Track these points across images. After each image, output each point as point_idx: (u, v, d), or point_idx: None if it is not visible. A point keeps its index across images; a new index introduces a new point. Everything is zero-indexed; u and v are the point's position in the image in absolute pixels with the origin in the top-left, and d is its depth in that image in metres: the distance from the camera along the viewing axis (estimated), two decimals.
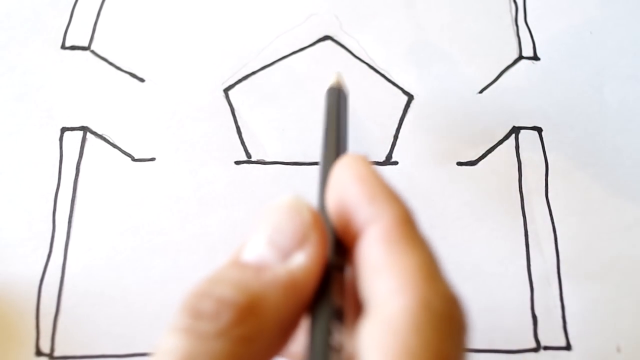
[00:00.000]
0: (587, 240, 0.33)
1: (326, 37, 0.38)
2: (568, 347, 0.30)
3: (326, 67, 0.37)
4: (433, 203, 0.33)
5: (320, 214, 0.19)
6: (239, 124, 0.35)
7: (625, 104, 0.36)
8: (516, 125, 0.36)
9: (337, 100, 0.29)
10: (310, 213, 0.18)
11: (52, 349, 0.30)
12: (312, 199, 0.33)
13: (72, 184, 0.33)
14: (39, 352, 0.30)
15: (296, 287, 0.17)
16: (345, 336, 0.17)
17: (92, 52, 0.37)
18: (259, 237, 0.18)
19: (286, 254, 0.18)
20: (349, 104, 0.30)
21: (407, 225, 0.18)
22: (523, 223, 0.33)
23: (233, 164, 0.34)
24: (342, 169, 0.19)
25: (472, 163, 0.35)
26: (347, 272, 0.19)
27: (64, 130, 0.35)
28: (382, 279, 0.17)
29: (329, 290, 0.18)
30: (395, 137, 0.35)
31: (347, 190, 0.19)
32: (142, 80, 0.36)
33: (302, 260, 0.17)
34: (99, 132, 0.35)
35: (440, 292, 0.17)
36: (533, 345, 0.30)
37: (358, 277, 0.18)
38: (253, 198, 0.33)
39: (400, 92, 0.36)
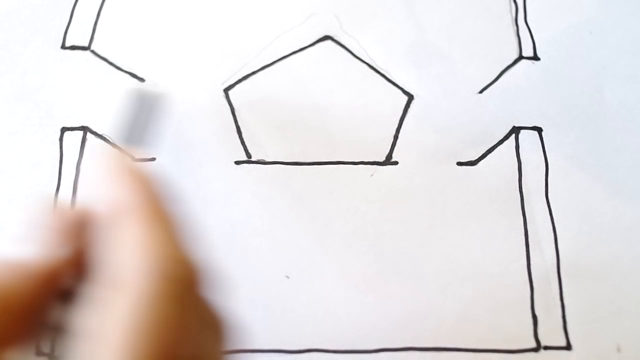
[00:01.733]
0: (587, 240, 0.33)
1: (326, 37, 0.38)
2: (568, 347, 0.30)
3: (326, 67, 0.37)
4: (433, 203, 0.33)
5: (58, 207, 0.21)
6: (239, 124, 0.35)
7: (625, 104, 0.36)
8: (516, 125, 0.36)
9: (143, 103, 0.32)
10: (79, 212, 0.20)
11: (53, 348, 0.30)
12: (312, 199, 0.33)
13: (72, 184, 0.34)
14: (39, 352, 0.30)
15: (30, 275, 0.19)
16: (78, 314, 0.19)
17: (92, 52, 0.37)
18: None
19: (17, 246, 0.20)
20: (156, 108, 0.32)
21: (148, 204, 0.20)
22: (523, 223, 0.33)
23: (233, 164, 0.34)
24: (103, 161, 0.22)
25: (472, 163, 0.35)
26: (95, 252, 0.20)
27: (64, 130, 0.35)
28: (122, 254, 0.18)
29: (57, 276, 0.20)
30: (395, 137, 0.35)
31: (101, 179, 0.21)
32: (142, 80, 0.36)
33: (31, 252, 0.20)
34: (99, 132, 0.35)
35: (175, 260, 0.18)
36: (533, 345, 0.30)
37: (104, 256, 0.19)
38: (253, 198, 0.33)
39: (400, 92, 0.36)
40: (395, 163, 0.34)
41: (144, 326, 0.17)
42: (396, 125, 0.35)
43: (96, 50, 0.37)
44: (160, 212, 0.20)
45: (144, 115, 0.31)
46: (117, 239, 0.19)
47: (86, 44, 0.38)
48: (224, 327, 0.23)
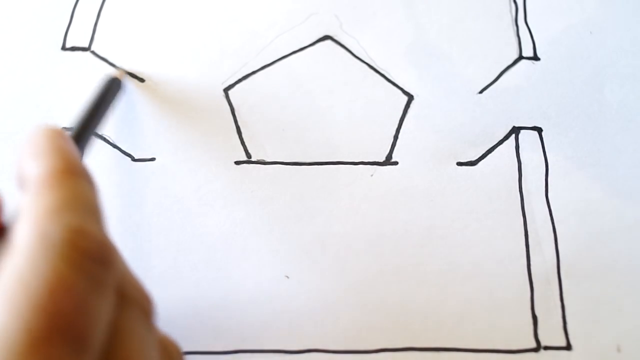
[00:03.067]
0: (587, 240, 0.33)
1: (326, 37, 0.38)
2: (568, 347, 0.30)
3: (326, 67, 0.37)
4: (433, 203, 0.33)
5: None
6: (239, 124, 0.35)
7: (625, 104, 0.36)
8: (516, 125, 0.36)
9: (108, 86, 0.33)
10: None
11: None
12: (312, 199, 0.33)
13: None
14: None
15: None
16: None
17: (93, 52, 0.37)
18: None
19: None
20: (119, 93, 0.34)
21: (61, 174, 0.19)
22: (523, 223, 0.33)
23: (233, 164, 0.34)
24: (33, 135, 0.22)
25: (472, 163, 0.35)
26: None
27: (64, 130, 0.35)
28: (18, 224, 0.18)
29: None
30: (395, 137, 0.35)
31: (20, 152, 0.21)
32: (142, 80, 0.37)
33: None
34: (99, 132, 0.35)
35: (63, 224, 0.18)
36: (533, 345, 0.30)
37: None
38: (253, 198, 0.33)
39: (400, 92, 0.36)
40: (395, 163, 0.34)
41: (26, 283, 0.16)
42: (396, 125, 0.35)
43: (96, 51, 0.37)
44: (75, 179, 0.20)
45: (105, 98, 0.32)
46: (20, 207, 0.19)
47: (86, 45, 0.38)
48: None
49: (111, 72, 0.35)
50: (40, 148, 0.21)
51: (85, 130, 0.29)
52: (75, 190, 0.19)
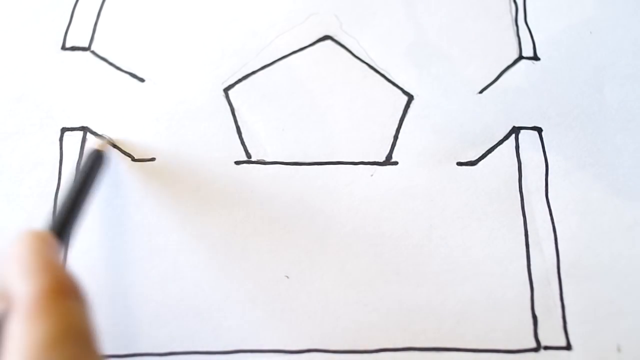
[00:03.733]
0: (587, 240, 0.33)
1: (326, 37, 0.38)
2: (568, 347, 0.30)
3: (326, 67, 0.37)
4: (433, 203, 0.33)
5: None
6: (239, 124, 0.35)
7: (625, 104, 0.36)
8: (516, 125, 0.36)
9: (91, 163, 0.31)
10: None
11: None
12: (312, 199, 0.33)
13: None
14: None
15: None
16: None
17: (93, 52, 0.37)
18: None
19: None
20: (102, 169, 0.32)
21: (50, 297, 0.18)
22: (523, 223, 0.33)
23: (233, 164, 0.34)
24: (10, 247, 0.20)
25: (472, 163, 0.35)
26: None
27: (64, 130, 0.35)
28: (8, 356, 0.17)
29: None
30: (395, 137, 0.35)
31: (6, 268, 0.19)
32: (142, 80, 0.37)
33: None
34: (99, 132, 0.35)
35: None
36: (533, 345, 0.30)
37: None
38: (253, 198, 0.33)
39: (400, 92, 0.36)
40: (395, 163, 0.34)
41: None
42: (396, 125, 0.35)
43: (96, 51, 0.37)
44: (60, 307, 0.18)
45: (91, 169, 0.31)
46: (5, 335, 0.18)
47: (86, 45, 0.38)
48: None
49: (93, 143, 0.33)
50: (26, 264, 0.19)
51: (70, 217, 0.28)
52: (68, 317, 0.18)
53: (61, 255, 0.23)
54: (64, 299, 0.19)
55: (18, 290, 0.19)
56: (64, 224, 0.27)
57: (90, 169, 0.31)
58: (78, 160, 0.34)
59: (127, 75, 0.37)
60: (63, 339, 0.18)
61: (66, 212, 0.28)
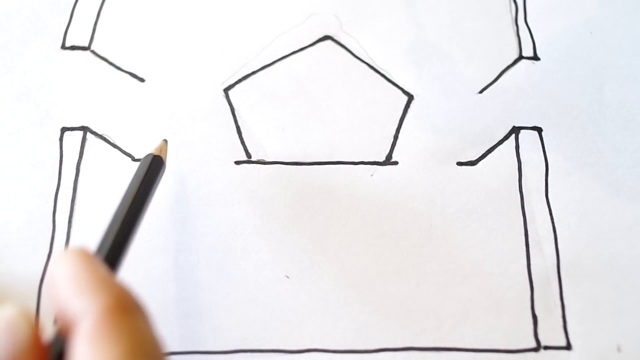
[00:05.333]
0: (587, 240, 0.33)
1: (326, 37, 0.38)
2: (568, 347, 0.30)
3: (326, 67, 0.37)
4: (433, 203, 0.33)
5: (38, 330, 0.18)
6: (239, 124, 0.35)
7: (625, 104, 0.36)
8: (516, 125, 0.36)
9: (146, 171, 0.27)
10: (28, 330, 0.18)
11: None
12: (312, 199, 0.33)
13: (72, 184, 0.34)
14: None
15: None
16: None
17: (92, 52, 0.37)
18: None
19: None
20: (161, 176, 0.29)
21: (115, 315, 0.17)
22: (523, 223, 0.33)
23: (233, 164, 0.34)
24: (53, 267, 0.19)
25: (472, 163, 0.35)
26: None
27: (64, 130, 0.35)
28: None
29: None
30: (395, 137, 0.35)
31: (57, 289, 0.18)
32: (142, 80, 0.37)
33: None
34: (99, 132, 0.35)
35: None
36: (533, 345, 0.30)
37: None
38: (253, 198, 0.33)
39: (400, 92, 0.36)
40: (395, 163, 0.34)
41: None
42: (396, 125, 0.35)
43: (96, 51, 0.37)
44: (129, 323, 0.18)
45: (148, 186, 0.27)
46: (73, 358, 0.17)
47: (86, 44, 0.38)
48: None
49: (152, 148, 0.30)
50: (81, 281, 0.18)
51: (124, 239, 0.25)
52: (136, 334, 0.17)
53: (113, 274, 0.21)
54: (130, 314, 0.18)
55: (78, 309, 0.18)
56: (116, 244, 0.24)
57: (149, 180, 0.27)
58: (78, 160, 0.34)
59: (127, 75, 0.37)
60: (134, 357, 0.17)
61: (118, 230, 0.24)
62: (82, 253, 0.20)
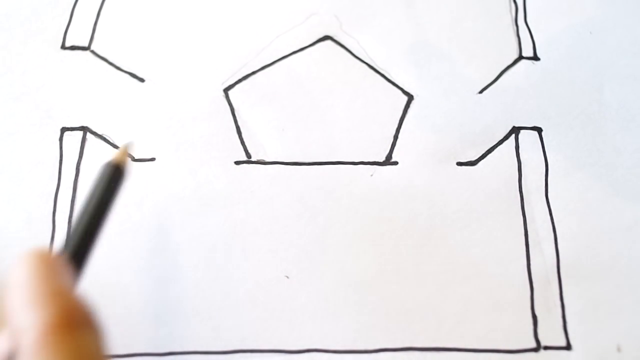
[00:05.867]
0: (587, 240, 0.33)
1: (326, 37, 0.38)
2: (568, 347, 0.30)
3: (326, 67, 0.37)
4: (433, 203, 0.33)
5: None
6: (239, 124, 0.35)
7: (625, 104, 0.36)
8: (516, 125, 0.36)
9: (108, 179, 0.27)
10: None
11: None
12: (312, 199, 0.33)
13: (72, 184, 0.34)
14: None
15: None
16: None
17: (92, 52, 0.37)
18: None
19: None
20: (121, 185, 0.28)
21: (58, 332, 0.17)
22: (523, 223, 0.33)
23: (233, 164, 0.34)
24: (12, 271, 0.19)
25: (472, 163, 0.35)
26: None
27: (64, 130, 0.35)
28: None
29: None
30: (395, 137, 0.35)
31: (10, 296, 0.18)
32: (142, 80, 0.37)
33: None
34: (99, 132, 0.35)
35: None
36: (533, 345, 0.30)
37: None
38: (253, 198, 0.33)
39: (400, 92, 0.36)
40: (395, 163, 0.34)
41: None
42: (396, 125, 0.35)
43: (96, 50, 0.37)
44: (72, 340, 0.17)
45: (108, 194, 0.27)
46: None
47: (86, 44, 0.38)
48: None
49: (111, 155, 0.28)
50: (30, 292, 0.18)
51: (88, 238, 0.24)
52: (78, 351, 0.17)
53: (73, 279, 0.21)
54: (74, 331, 0.17)
55: (23, 323, 0.17)
56: (80, 246, 0.24)
57: (109, 184, 0.27)
58: (78, 160, 0.34)
59: (127, 75, 0.37)
60: None
61: (83, 233, 0.24)
62: (42, 258, 0.19)
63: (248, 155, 0.35)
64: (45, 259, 0.19)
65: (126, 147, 0.28)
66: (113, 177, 0.27)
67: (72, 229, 0.25)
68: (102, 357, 0.17)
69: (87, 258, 0.24)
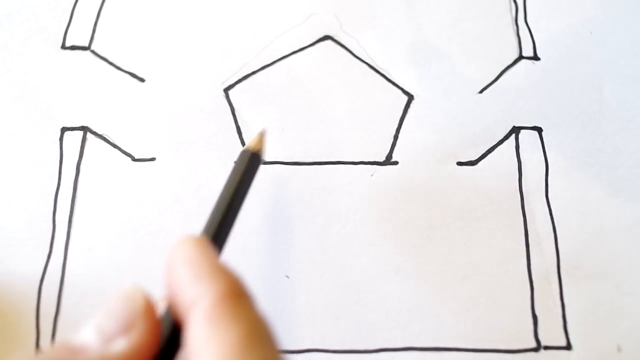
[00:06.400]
0: (587, 240, 0.33)
1: (326, 37, 0.38)
2: (568, 347, 0.30)
3: (326, 67, 0.37)
4: (433, 203, 0.33)
5: (153, 303, 0.20)
6: (239, 124, 0.35)
7: (625, 104, 0.36)
8: (516, 125, 0.36)
9: (246, 166, 0.28)
10: (143, 300, 0.19)
11: None
12: (312, 199, 0.33)
13: (72, 184, 0.34)
14: None
15: None
16: None
17: (92, 52, 0.37)
18: (90, 323, 0.19)
19: (109, 339, 0.18)
20: (258, 169, 0.29)
21: (230, 300, 0.18)
22: (523, 223, 0.33)
23: (233, 164, 0.34)
24: (174, 252, 0.20)
25: (472, 163, 0.35)
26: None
27: (64, 130, 0.35)
28: (204, 358, 0.17)
29: None
30: (395, 137, 0.35)
31: (176, 273, 0.20)
32: (142, 80, 0.37)
33: (121, 346, 0.18)
34: (99, 132, 0.35)
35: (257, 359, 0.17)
36: (533, 345, 0.30)
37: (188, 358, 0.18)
38: (253, 198, 0.33)
39: (400, 92, 0.36)
40: (395, 163, 0.34)
41: None
42: (396, 125, 0.35)
43: (96, 50, 0.37)
44: (246, 308, 0.19)
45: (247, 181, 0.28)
46: (190, 340, 0.18)
47: (86, 44, 0.38)
48: None
49: (249, 143, 0.30)
50: (199, 268, 0.19)
51: (225, 223, 0.26)
52: (254, 317, 0.19)
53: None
54: (243, 299, 0.19)
55: (195, 293, 0.19)
56: (218, 231, 0.26)
57: (245, 173, 0.28)
58: (78, 160, 0.34)
59: (127, 75, 0.37)
60: (255, 337, 0.18)
61: (221, 219, 0.26)
62: (199, 241, 0.21)
63: None
64: (201, 242, 0.21)
65: (263, 134, 0.30)
66: (250, 163, 0.28)
67: (211, 214, 0.26)
68: (268, 323, 0.19)
69: (225, 242, 0.26)
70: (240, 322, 0.18)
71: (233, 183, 0.27)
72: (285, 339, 0.30)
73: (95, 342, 0.18)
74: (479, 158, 0.35)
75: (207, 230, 0.25)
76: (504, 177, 0.34)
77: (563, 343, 0.30)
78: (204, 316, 0.18)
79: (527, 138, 0.35)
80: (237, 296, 0.19)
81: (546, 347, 0.30)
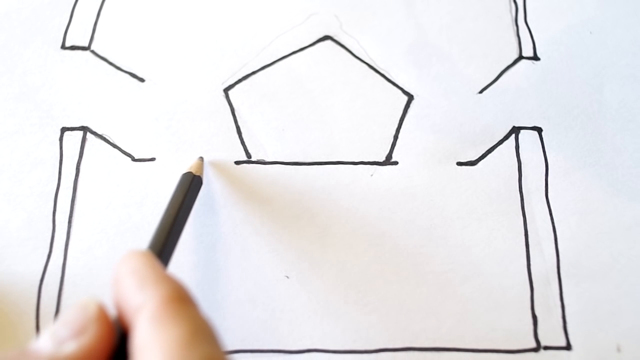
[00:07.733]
0: (587, 240, 0.33)
1: (326, 37, 0.38)
2: (568, 347, 0.30)
3: (326, 67, 0.37)
4: (433, 203, 0.33)
5: (106, 310, 0.21)
6: (239, 124, 0.35)
7: (625, 104, 0.36)
8: (516, 125, 0.36)
9: (188, 187, 0.31)
10: (96, 307, 0.20)
11: None
12: (312, 199, 0.33)
13: (72, 184, 0.34)
14: None
15: None
16: None
17: (92, 52, 0.37)
18: (46, 331, 0.20)
19: (61, 343, 0.20)
20: (199, 191, 0.32)
21: (174, 303, 0.19)
22: (523, 223, 0.33)
23: (233, 164, 0.34)
24: (120, 265, 0.22)
25: (472, 163, 0.35)
26: None
27: (64, 130, 0.35)
28: (146, 357, 0.18)
29: None
30: (395, 137, 0.35)
31: (122, 283, 0.21)
32: (142, 80, 0.37)
33: (71, 347, 0.19)
34: (99, 132, 0.35)
35: (200, 355, 0.18)
36: (533, 345, 0.30)
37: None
38: (253, 198, 0.33)
39: (400, 92, 0.36)
40: (395, 163, 0.34)
41: None
42: (396, 125, 0.35)
43: (96, 50, 0.37)
44: (188, 309, 0.20)
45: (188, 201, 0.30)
46: (135, 342, 0.19)
47: (86, 44, 0.38)
48: None
49: (189, 166, 0.32)
50: (144, 277, 0.21)
51: (170, 240, 0.27)
52: (196, 318, 0.19)
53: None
54: (186, 303, 0.20)
55: (140, 299, 0.20)
56: (163, 247, 0.27)
57: (187, 193, 0.30)
58: (78, 160, 0.34)
59: (127, 75, 0.37)
60: (199, 336, 0.19)
61: (166, 235, 0.27)
62: (145, 254, 0.22)
63: (248, 155, 0.35)
64: (146, 255, 0.22)
65: (202, 160, 0.33)
66: (191, 185, 0.31)
67: (156, 231, 0.27)
68: (211, 324, 0.20)
69: (170, 257, 0.27)
70: (184, 322, 0.19)
71: (177, 201, 0.29)
72: (285, 339, 0.30)
73: (47, 346, 0.19)
74: (479, 158, 0.35)
75: (152, 246, 0.26)
76: (503, 177, 0.34)
77: (563, 343, 0.30)
78: (149, 318, 0.19)
79: (527, 138, 0.35)
80: (180, 300, 0.20)
81: (546, 347, 0.30)
